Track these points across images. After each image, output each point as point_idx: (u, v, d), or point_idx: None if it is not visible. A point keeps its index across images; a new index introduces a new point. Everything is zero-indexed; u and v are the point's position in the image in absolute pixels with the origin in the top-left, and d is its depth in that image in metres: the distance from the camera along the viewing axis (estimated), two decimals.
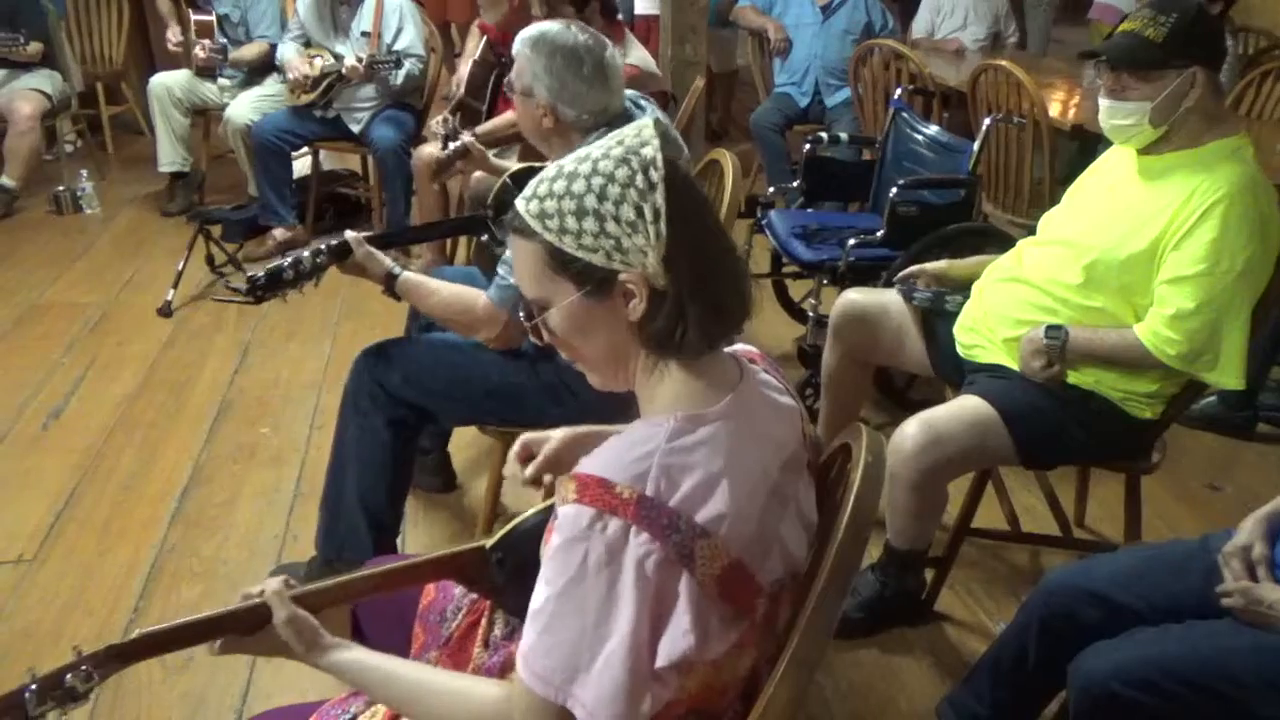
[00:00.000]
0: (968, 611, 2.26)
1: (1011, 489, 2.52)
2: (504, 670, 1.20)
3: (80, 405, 3.06)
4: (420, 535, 2.49)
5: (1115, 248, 1.91)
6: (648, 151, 1.01)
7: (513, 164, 2.75)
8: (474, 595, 1.31)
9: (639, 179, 1.00)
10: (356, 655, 1.13)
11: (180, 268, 3.76)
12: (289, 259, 1.97)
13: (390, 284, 2.01)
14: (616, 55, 2.02)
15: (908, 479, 1.96)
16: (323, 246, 2.00)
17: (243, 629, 1.12)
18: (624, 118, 2.02)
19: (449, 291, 2.00)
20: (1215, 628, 1.43)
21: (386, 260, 2.02)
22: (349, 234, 2.01)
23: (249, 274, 2.01)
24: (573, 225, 1.00)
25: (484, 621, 1.29)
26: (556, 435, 1.33)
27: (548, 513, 1.03)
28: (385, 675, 1.11)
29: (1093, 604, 1.55)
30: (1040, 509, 2.53)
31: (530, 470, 1.31)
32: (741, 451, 1.02)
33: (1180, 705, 1.37)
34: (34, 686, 0.99)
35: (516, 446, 1.34)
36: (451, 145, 2.69)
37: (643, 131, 1.04)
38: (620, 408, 1.12)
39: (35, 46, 4.53)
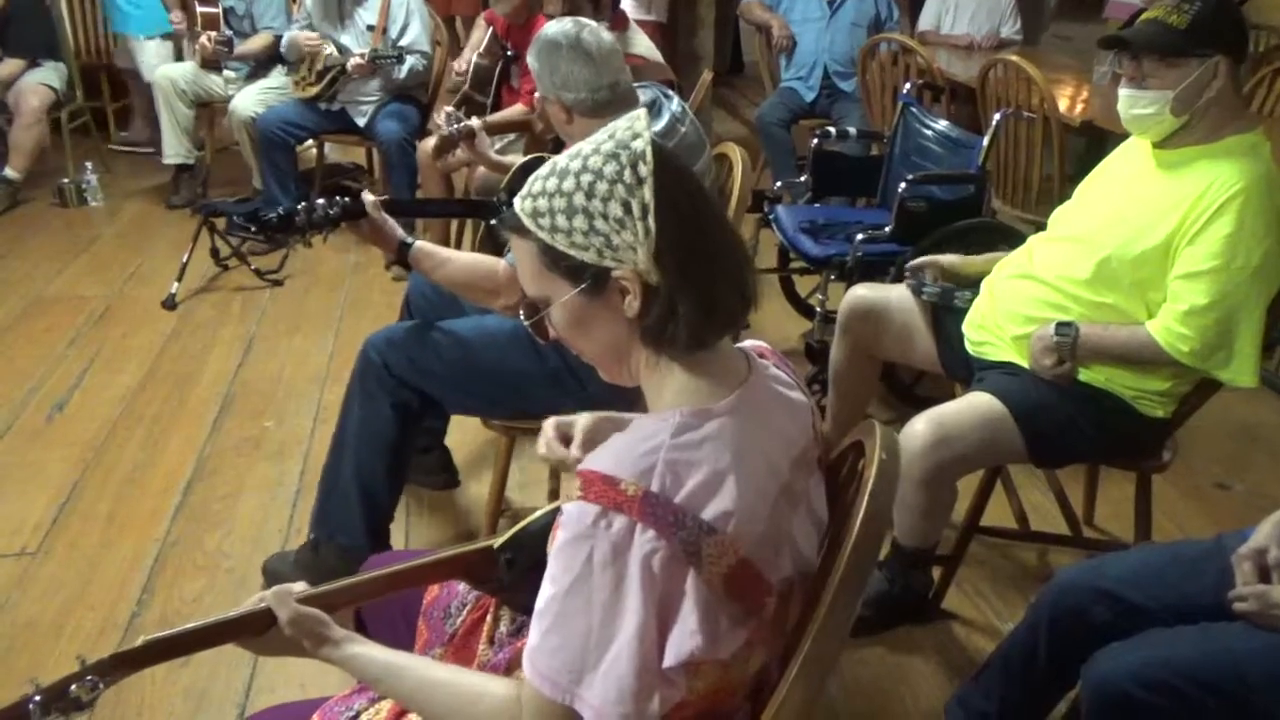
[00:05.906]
0: (975, 610, 2.25)
1: (1020, 487, 2.50)
2: (509, 667, 1.18)
3: (84, 398, 3.05)
4: (423, 531, 2.48)
5: (1129, 243, 1.89)
6: (638, 145, 0.99)
7: (516, 159, 2.71)
8: (478, 592, 1.30)
9: (627, 174, 0.98)
10: (366, 649, 1.12)
11: (184, 260, 3.76)
12: (302, 205, 1.95)
13: (403, 253, 1.97)
14: (599, 31, 2.02)
15: (917, 477, 1.94)
16: (338, 199, 1.97)
17: (249, 632, 1.12)
18: (633, 95, 2.03)
19: (467, 258, 1.99)
20: (1229, 629, 1.41)
21: (399, 229, 2.00)
22: (366, 196, 1.98)
23: (263, 214, 1.99)
24: (563, 224, 0.99)
25: (489, 618, 1.27)
26: (584, 416, 1.27)
27: (557, 512, 1.01)
28: (395, 669, 1.10)
29: (1104, 603, 1.53)
30: (1049, 507, 2.51)
31: (575, 451, 1.24)
32: (749, 448, 1.00)
33: (1193, 707, 1.35)
34: (38, 697, 0.98)
35: (550, 431, 1.27)
36: (455, 126, 2.63)
37: (635, 124, 1.01)
38: (628, 396, 1.11)
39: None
